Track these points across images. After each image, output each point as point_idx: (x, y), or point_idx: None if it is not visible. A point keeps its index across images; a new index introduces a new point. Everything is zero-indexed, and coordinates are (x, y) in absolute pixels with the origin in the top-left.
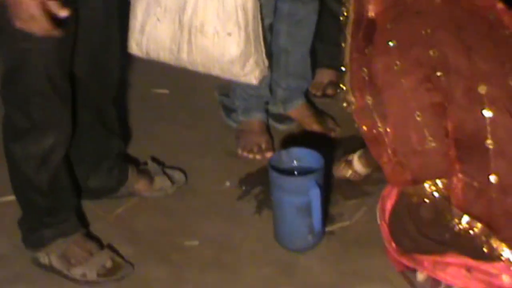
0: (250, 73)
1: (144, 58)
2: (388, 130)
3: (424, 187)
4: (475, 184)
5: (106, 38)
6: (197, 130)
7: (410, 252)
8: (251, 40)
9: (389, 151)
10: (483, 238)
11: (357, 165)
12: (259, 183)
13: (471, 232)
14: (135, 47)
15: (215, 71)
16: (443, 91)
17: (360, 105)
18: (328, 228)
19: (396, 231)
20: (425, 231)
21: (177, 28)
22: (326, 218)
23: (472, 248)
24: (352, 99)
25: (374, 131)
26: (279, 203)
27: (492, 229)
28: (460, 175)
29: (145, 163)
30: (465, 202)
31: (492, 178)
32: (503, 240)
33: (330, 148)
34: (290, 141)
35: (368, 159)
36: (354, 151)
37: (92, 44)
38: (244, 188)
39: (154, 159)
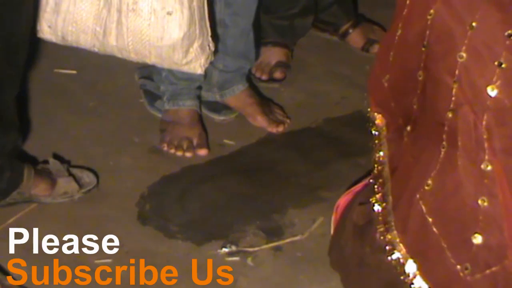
0: (195, 60)
1: (60, 43)
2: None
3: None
4: None
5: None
6: (111, 121)
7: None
8: (195, 19)
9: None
10: None
11: None
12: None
13: None
14: (47, 30)
15: (151, 59)
16: None
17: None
18: (273, 243)
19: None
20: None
21: (102, 6)
22: (272, 227)
23: None
24: None
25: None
26: None
27: None
28: None
29: (46, 162)
30: None
31: None
32: None
33: (276, 144)
34: (228, 135)
35: None
36: (309, 149)
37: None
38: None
39: (56, 157)
